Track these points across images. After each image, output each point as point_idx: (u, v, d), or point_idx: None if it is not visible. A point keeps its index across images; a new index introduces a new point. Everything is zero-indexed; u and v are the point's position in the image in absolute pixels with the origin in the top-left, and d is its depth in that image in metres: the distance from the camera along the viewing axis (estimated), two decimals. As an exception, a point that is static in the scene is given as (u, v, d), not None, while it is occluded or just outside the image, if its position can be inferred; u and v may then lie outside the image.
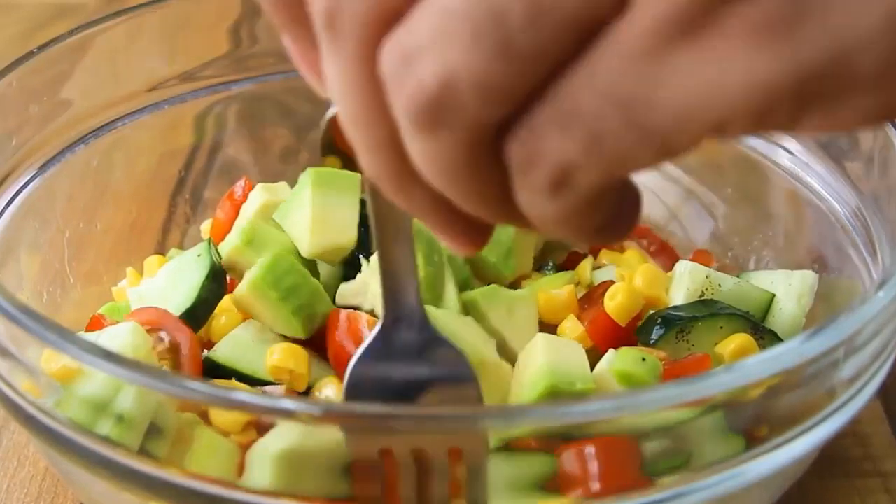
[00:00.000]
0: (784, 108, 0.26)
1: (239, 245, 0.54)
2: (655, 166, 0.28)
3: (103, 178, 0.61)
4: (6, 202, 0.54)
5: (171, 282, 0.54)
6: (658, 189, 0.63)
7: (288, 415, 0.37)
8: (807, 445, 0.42)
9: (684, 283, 0.54)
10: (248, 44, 0.64)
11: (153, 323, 0.51)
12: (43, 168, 0.57)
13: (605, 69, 0.26)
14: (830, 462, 0.53)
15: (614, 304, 0.52)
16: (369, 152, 0.30)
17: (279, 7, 0.30)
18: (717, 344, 0.51)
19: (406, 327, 0.43)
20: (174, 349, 0.51)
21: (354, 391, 0.43)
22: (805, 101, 0.26)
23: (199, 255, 0.54)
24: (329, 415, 0.38)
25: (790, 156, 0.57)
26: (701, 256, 0.60)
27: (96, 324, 0.55)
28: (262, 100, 0.65)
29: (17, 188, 0.55)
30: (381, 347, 0.43)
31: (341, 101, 0.29)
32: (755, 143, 0.59)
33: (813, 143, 0.56)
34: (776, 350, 0.41)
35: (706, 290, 0.54)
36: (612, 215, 0.30)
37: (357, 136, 0.30)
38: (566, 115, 0.27)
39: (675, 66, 0.26)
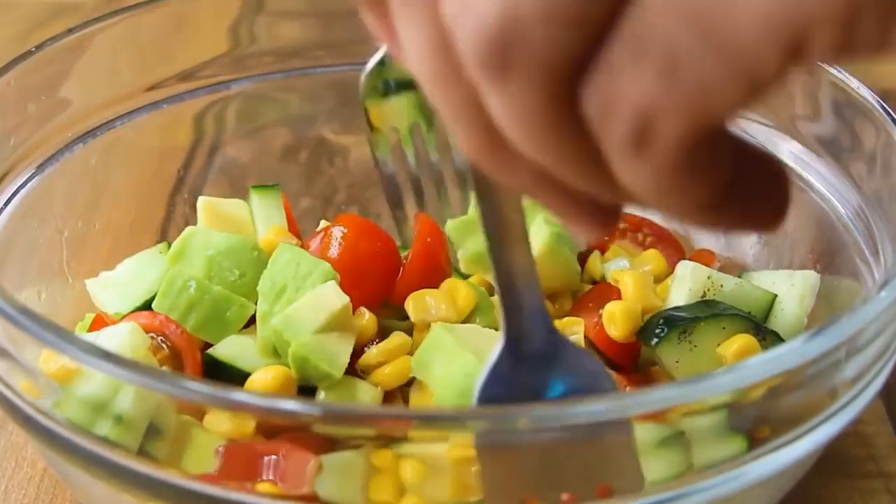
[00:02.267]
0: (871, 12, 0.24)
1: (169, 264, 0.55)
2: (743, 107, 0.25)
3: (102, 178, 0.61)
4: (4, 202, 0.54)
5: (134, 275, 0.56)
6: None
7: (288, 415, 0.37)
8: (808, 446, 0.42)
9: (686, 284, 0.54)
10: (247, 43, 0.64)
11: (152, 329, 0.51)
12: (41, 167, 0.57)
13: None
14: (832, 463, 0.53)
15: (615, 329, 0.52)
16: (457, 120, 0.28)
17: None
18: (719, 345, 0.51)
19: (530, 339, 0.42)
20: (174, 355, 0.51)
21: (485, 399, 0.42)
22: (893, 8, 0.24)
23: (160, 252, 0.58)
24: (329, 415, 0.37)
25: (792, 155, 0.57)
26: (702, 256, 0.59)
27: (99, 323, 0.55)
28: (262, 99, 0.65)
29: (16, 188, 0.55)
30: (507, 365, 0.42)
31: (419, 69, 0.28)
32: (757, 143, 0.59)
33: (815, 142, 0.56)
34: (778, 350, 0.41)
35: (708, 290, 0.54)
36: (742, 191, 0.28)
37: (442, 104, 0.29)
38: (638, 40, 0.25)
39: None
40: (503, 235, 0.39)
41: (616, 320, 0.52)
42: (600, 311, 0.53)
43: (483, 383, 0.42)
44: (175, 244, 0.55)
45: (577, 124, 0.27)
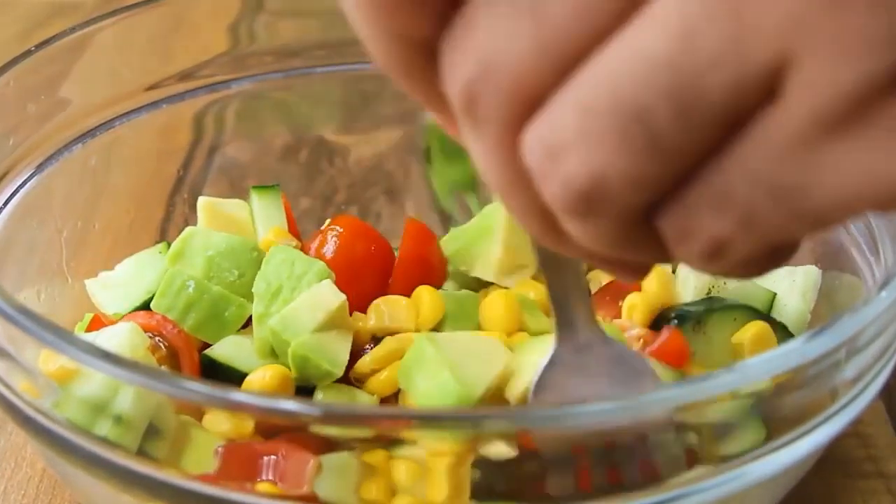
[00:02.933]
0: None
1: (168, 265, 0.55)
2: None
3: (101, 178, 0.61)
4: (3, 201, 0.54)
5: (133, 275, 0.56)
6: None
7: (288, 416, 0.37)
8: (809, 447, 0.42)
9: (690, 283, 0.54)
10: (247, 42, 0.64)
11: (149, 328, 0.51)
12: (40, 167, 0.57)
13: (758, 157, 0.26)
14: (833, 463, 0.53)
15: (636, 315, 0.53)
16: (523, 218, 0.30)
17: (413, 88, 0.30)
18: (733, 334, 0.51)
19: (583, 354, 0.44)
20: (172, 354, 0.51)
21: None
22: None
23: (159, 252, 0.58)
24: (329, 415, 0.37)
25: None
26: None
27: (97, 323, 0.55)
28: (261, 99, 0.65)
29: (15, 187, 0.55)
30: (561, 365, 0.44)
31: (489, 176, 0.30)
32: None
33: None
34: (778, 350, 0.41)
35: (712, 287, 0.54)
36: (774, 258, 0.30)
37: (509, 205, 0.30)
38: (719, 198, 0.27)
39: (832, 155, 0.25)
40: (554, 261, 0.41)
41: (637, 312, 0.53)
42: (620, 304, 0.54)
43: (537, 381, 0.44)
44: (174, 244, 0.55)
45: (646, 236, 0.29)
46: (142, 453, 0.41)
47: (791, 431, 0.41)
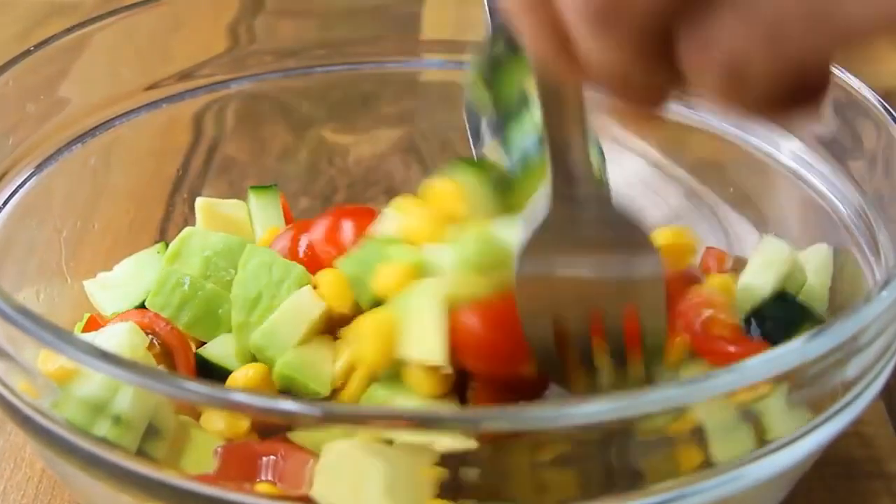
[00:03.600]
0: None
1: (165, 265, 0.55)
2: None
3: (101, 178, 0.61)
4: (3, 201, 0.54)
5: (132, 276, 0.56)
6: (659, 189, 0.63)
7: (288, 416, 0.37)
8: (809, 447, 0.42)
9: (767, 282, 0.54)
10: (246, 42, 0.64)
11: (144, 326, 0.51)
12: (40, 167, 0.57)
13: None
14: (833, 464, 0.53)
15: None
16: (536, 39, 0.30)
17: None
18: None
19: (577, 205, 0.42)
20: (166, 352, 0.51)
21: (527, 265, 0.43)
22: None
23: (158, 252, 0.58)
24: (329, 416, 0.37)
25: (793, 155, 0.57)
26: (715, 255, 0.59)
27: (93, 324, 0.55)
28: (261, 98, 0.65)
29: (14, 187, 0.55)
30: (554, 229, 0.42)
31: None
32: (758, 142, 0.59)
33: (816, 141, 0.56)
34: (779, 350, 0.41)
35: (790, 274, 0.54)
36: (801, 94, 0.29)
37: (523, 25, 0.30)
38: (743, 9, 0.27)
39: None
40: (558, 99, 0.39)
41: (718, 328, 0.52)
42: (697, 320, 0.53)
43: (528, 238, 0.43)
44: (172, 245, 0.55)
45: (664, 52, 0.29)
46: (141, 453, 0.41)
47: (791, 432, 0.41)
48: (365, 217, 0.54)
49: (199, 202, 0.58)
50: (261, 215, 0.59)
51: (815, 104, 0.30)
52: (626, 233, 0.43)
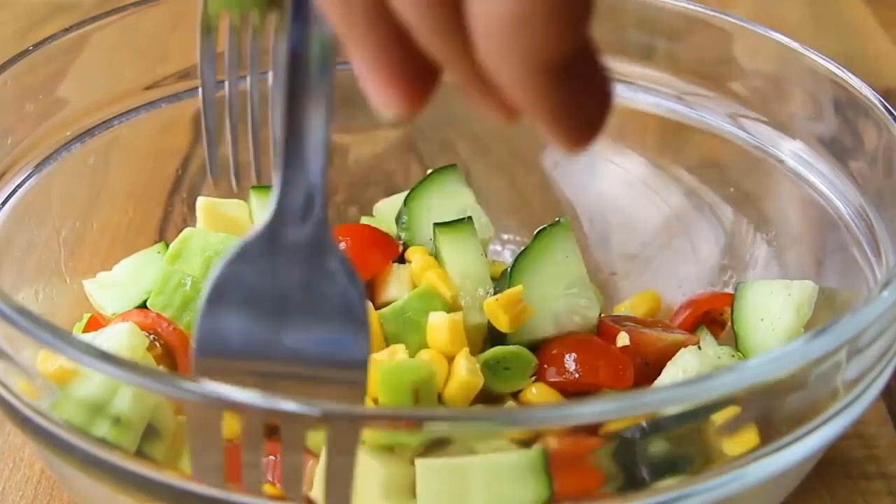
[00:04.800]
0: None
1: (166, 265, 0.55)
2: None
3: (100, 177, 0.61)
4: (2, 201, 0.54)
5: (132, 276, 0.56)
6: (659, 188, 0.63)
7: (287, 416, 0.37)
8: (810, 447, 0.42)
9: (781, 326, 0.53)
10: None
11: (144, 327, 0.51)
12: (39, 167, 0.56)
13: None
14: (834, 464, 0.53)
15: None
16: None
17: None
18: None
19: (299, 221, 0.36)
20: (168, 352, 0.51)
21: (220, 293, 0.37)
22: None
23: (157, 253, 0.57)
24: (329, 416, 0.37)
25: (793, 154, 0.57)
26: (718, 299, 0.58)
27: (94, 324, 0.55)
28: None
29: (13, 187, 0.55)
30: (263, 246, 0.36)
31: None
32: (758, 142, 0.59)
33: (816, 141, 0.56)
34: (779, 351, 0.40)
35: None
36: (580, 82, 0.27)
37: None
38: None
39: None
40: (306, 87, 0.34)
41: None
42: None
43: (231, 255, 0.37)
44: (173, 245, 0.55)
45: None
46: (140, 454, 0.41)
47: (792, 432, 0.41)
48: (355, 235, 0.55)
49: (201, 202, 0.58)
50: (262, 215, 0.58)
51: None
52: (333, 299, 0.36)
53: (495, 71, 0.27)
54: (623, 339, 0.53)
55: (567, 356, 0.52)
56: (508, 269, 0.55)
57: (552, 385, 0.52)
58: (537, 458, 0.39)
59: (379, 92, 0.28)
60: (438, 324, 0.51)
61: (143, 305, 0.54)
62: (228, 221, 0.58)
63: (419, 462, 0.40)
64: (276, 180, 0.36)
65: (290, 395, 0.35)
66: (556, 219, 0.56)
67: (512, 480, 0.39)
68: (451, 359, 0.51)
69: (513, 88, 0.27)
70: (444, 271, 0.54)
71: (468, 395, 0.50)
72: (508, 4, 0.25)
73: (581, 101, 0.27)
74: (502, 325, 0.52)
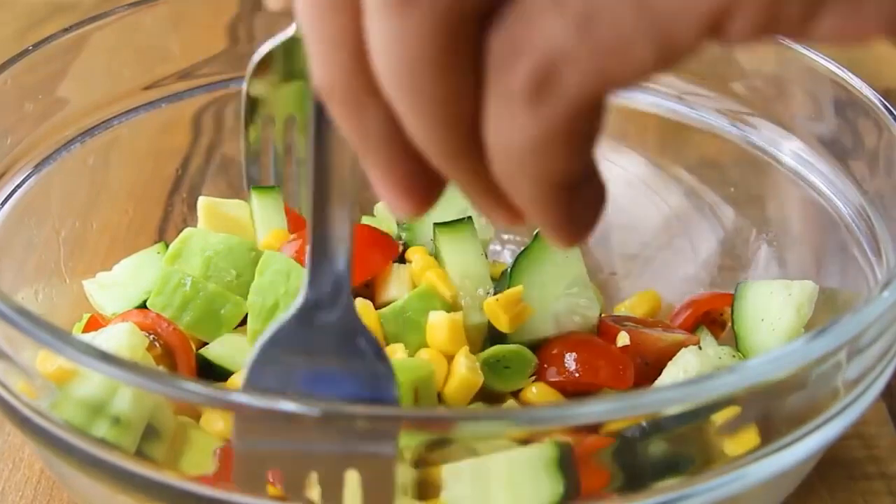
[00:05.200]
0: (793, 10, 0.24)
1: (166, 265, 0.55)
2: (649, 74, 0.26)
3: (99, 177, 0.61)
4: (1, 201, 0.54)
5: (131, 276, 0.56)
6: (659, 188, 0.63)
7: (287, 417, 0.37)
8: (810, 448, 0.42)
9: (782, 326, 0.53)
10: (246, 41, 0.64)
11: (144, 327, 0.51)
12: (38, 167, 0.56)
13: None
14: (834, 464, 0.53)
15: None
16: (326, 48, 0.27)
17: None
18: None
19: (328, 307, 0.39)
20: (168, 353, 0.51)
21: (259, 372, 0.39)
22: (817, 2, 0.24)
23: (157, 253, 0.57)
24: (329, 416, 0.37)
25: (794, 154, 0.57)
26: (717, 300, 0.58)
27: (94, 324, 0.55)
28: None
29: (13, 187, 0.55)
30: (297, 328, 0.39)
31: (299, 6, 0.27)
32: (758, 142, 0.59)
33: (817, 141, 0.56)
34: (780, 351, 0.40)
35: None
36: (582, 195, 0.28)
37: (315, 29, 0.27)
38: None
39: None
40: (330, 192, 0.37)
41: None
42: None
43: (269, 336, 0.39)
44: (173, 245, 0.55)
45: (465, 68, 0.26)
46: (140, 455, 0.40)
47: (793, 432, 0.41)
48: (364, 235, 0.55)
49: (202, 201, 0.58)
50: (263, 215, 0.58)
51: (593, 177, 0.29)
52: (363, 376, 0.39)
53: (507, 188, 0.28)
54: (623, 339, 0.53)
55: (567, 356, 0.52)
56: (508, 270, 0.55)
57: (552, 385, 0.52)
58: (553, 457, 0.39)
59: (390, 199, 0.30)
60: (438, 323, 0.51)
61: (143, 306, 0.54)
62: (229, 221, 0.58)
63: (447, 468, 0.40)
64: (306, 271, 0.39)
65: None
66: None
67: (529, 480, 0.39)
68: (450, 358, 0.51)
69: (522, 202, 0.29)
70: (444, 271, 0.54)
71: (468, 394, 0.50)
72: (528, 131, 0.26)
73: (582, 211, 0.29)
74: (502, 324, 0.52)
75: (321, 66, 0.28)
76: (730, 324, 0.56)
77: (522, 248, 0.55)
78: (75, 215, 0.59)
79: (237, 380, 0.49)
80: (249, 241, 0.56)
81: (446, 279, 0.53)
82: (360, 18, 0.27)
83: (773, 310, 0.53)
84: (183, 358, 0.51)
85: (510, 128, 0.27)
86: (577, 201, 0.29)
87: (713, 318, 0.58)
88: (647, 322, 0.56)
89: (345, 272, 0.39)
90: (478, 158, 0.28)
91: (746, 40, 0.25)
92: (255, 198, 0.59)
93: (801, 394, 0.41)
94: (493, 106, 0.27)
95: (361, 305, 0.52)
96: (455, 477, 0.40)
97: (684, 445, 0.40)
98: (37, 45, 0.56)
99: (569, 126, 0.27)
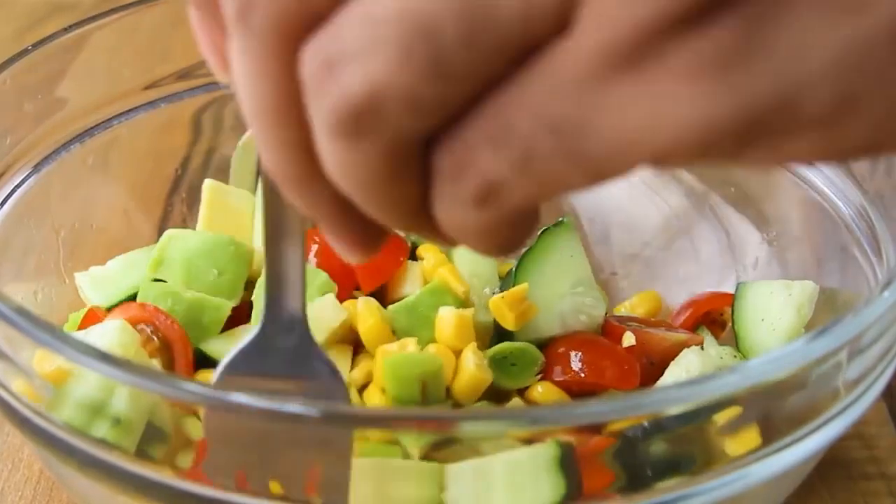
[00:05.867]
0: (726, 144, 0.25)
1: (149, 274, 0.55)
2: (586, 189, 0.27)
3: (99, 177, 0.61)
4: (1, 201, 0.54)
5: (122, 271, 0.56)
6: (659, 188, 0.63)
7: (287, 417, 0.37)
8: (811, 448, 0.42)
9: (782, 326, 0.53)
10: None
11: (142, 320, 0.51)
12: (38, 167, 0.56)
13: (543, 91, 0.25)
14: (834, 464, 0.53)
15: None
16: (274, 150, 0.29)
17: None
18: None
19: (285, 334, 0.43)
20: (165, 346, 0.51)
21: (223, 383, 0.44)
22: (749, 137, 0.25)
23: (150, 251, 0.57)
24: (329, 416, 0.37)
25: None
26: (717, 299, 0.58)
27: (91, 316, 0.54)
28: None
29: (12, 187, 0.55)
30: (256, 352, 0.43)
31: (248, 96, 0.28)
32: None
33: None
34: (780, 351, 0.40)
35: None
36: (522, 231, 0.30)
37: (261, 133, 0.29)
38: (499, 132, 0.26)
39: (615, 95, 0.25)
40: (281, 232, 0.41)
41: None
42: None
43: (228, 362, 0.43)
44: (154, 252, 0.55)
45: (413, 177, 0.28)
46: (140, 455, 0.40)
47: (793, 432, 0.41)
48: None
49: (208, 183, 0.58)
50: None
51: (525, 238, 0.30)
52: (322, 391, 0.43)
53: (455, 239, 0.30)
54: (629, 339, 0.53)
55: (573, 355, 0.52)
56: (513, 269, 0.55)
57: (558, 384, 0.52)
58: (555, 457, 0.39)
59: (339, 250, 0.32)
60: (447, 318, 0.51)
61: (131, 298, 0.54)
62: (230, 212, 0.58)
63: (449, 468, 0.40)
64: (262, 303, 0.43)
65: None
66: (560, 218, 0.56)
67: (530, 480, 0.40)
68: (458, 353, 0.51)
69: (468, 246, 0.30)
70: (455, 268, 0.54)
71: (477, 391, 0.50)
72: (476, 224, 0.28)
73: (518, 241, 0.30)
74: (508, 322, 0.52)
75: (269, 161, 0.29)
76: (730, 324, 0.56)
77: (526, 248, 0.55)
78: (75, 215, 0.59)
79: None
80: (227, 237, 0.55)
81: (458, 276, 0.54)
82: (306, 129, 0.28)
83: (773, 310, 0.53)
84: (181, 352, 0.51)
85: (459, 219, 0.28)
86: (515, 235, 0.31)
87: (713, 318, 0.58)
88: (650, 322, 0.56)
89: (298, 303, 0.42)
90: (427, 222, 0.29)
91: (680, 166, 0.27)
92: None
93: (801, 394, 0.41)
94: (441, 204, 0.28)
95: (366, 304, 0.52)
96: (456, 477, 0.40)
97: (684, 445, 0.40)
98: (36, 45, 0.56)
99: (513, 221, 0.29)
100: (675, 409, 0.39)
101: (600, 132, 0.25)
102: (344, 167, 0.28)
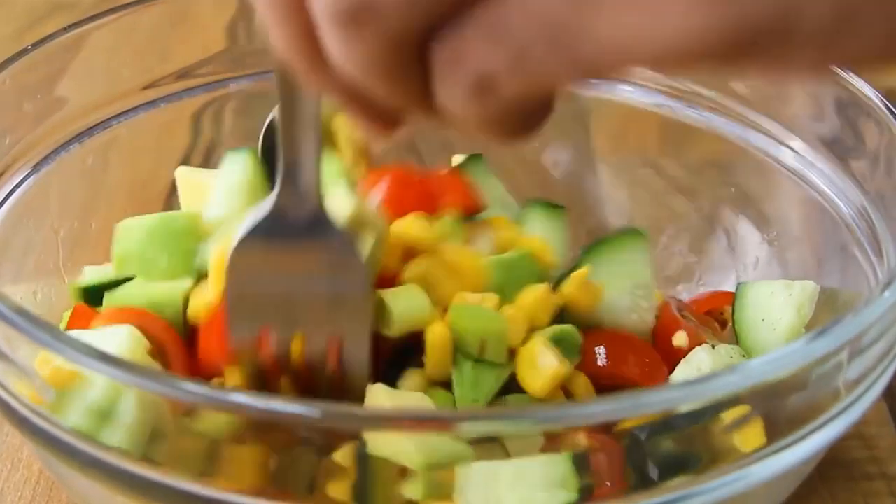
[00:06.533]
0: (721, 56, 0.26)
1: (115, 269, 0.54)
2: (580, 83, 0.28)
3: (98, 177, 0.61)
4: (0, 201, 0.54)
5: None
6: (659, 189, 0.63)
7: (287, 417, 0.37)
8: (811, 448, 0.42)
9: (782, 325, 0.53)
10: (245, 41, 0.64)
11: (135, 323, 0.51)
12: (37, 167, 0.56)
13: None
14: (835, 464, 0.53)
15: None
16: (284, 38, 0.30)
17: None
18: None
19: (300, 204, 0.44)
20: (160, 351, 0.51)
21: (238, 265, 0.45)
22: (742, 52, 0.26)
23: None
24: (329, 416, 0.37)
25: (794, 154, 0.57)
26: (717, 298, 0.58)
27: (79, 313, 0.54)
28: (260, 98, 0.65)
29: (11, 187, 0.55)
30: (270, 222, 0.44)
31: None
32: (759, 142, 0.59)
33: (818, 141, 0.56)
34: (780, 351, 0.40)
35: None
36: (531, 118, 0.30)
37: (273, 21, 0.30)
38: (494, 29, 0.27)
39: (612, 2, 0.26)
40: (294, 118, 0.42)
41: None
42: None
43: (245, 232, 0.44)
44: (114, 251, 0.54)
45: (414, 66, 0.29)
46: (143, 457, 0.40)
47: (793, 433, 0.41)
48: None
49: (179, 171, 0.58)
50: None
51: (538, 125, 0.31)
52: (338, 259, 0.45)
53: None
54: (680, 340, 0.53)
55: (602, 349, 0.53)
56: (581, 253, 0.55)
57: (588, 374, 0.52)
58: (566, 456, 0.39)
59: (363, 128, 0.33)
60: (536, 290, 0.51)
61: (116, 282, 0.53)
62: (202, 190, 0.58)
63: (458, 470, 0.40)
64: (278, 177, 0.44)
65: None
66: (632, 228, 0.56)
67: (541, 481, 0.39)
68: (530, 329, 0.51)
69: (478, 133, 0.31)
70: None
71: (557, 385, 0.50)
72: (477, 116, 0.29)
73: (527, 128, 0.31)
74: (582, 302, 0.52)
75: (280, 41, 0.30)
76: (730, 324, 0.56)
77: (593, 241, 0.56)
78: (74, 215, 0.59)
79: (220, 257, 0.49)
80: (167, 216, 0.55)
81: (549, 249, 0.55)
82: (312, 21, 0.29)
83: (773, 310, 0.53)
84: (175, 354, 0.51)
85: (460, 107, 0.29)
86: (527, 121, 0.31)
87: (713, 318, 0.58)
88: (702, 318, 0.57)
89: (312, 177, 0.43)
90: (435, 110, 0.30)
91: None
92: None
93: (802, 394, 0.41)
94: (441, 94, 0.29)
95: (463, 251, 0.53)
96: (467, 478, 0.40)
97: (685, 445, 0.40)
98: (36, 45, 0.56)
99: (515, 110, 0.29)
100: (672, 410, 0.39)
101: (595, 36, 0.26)
102: (347, 57, 0.29)
